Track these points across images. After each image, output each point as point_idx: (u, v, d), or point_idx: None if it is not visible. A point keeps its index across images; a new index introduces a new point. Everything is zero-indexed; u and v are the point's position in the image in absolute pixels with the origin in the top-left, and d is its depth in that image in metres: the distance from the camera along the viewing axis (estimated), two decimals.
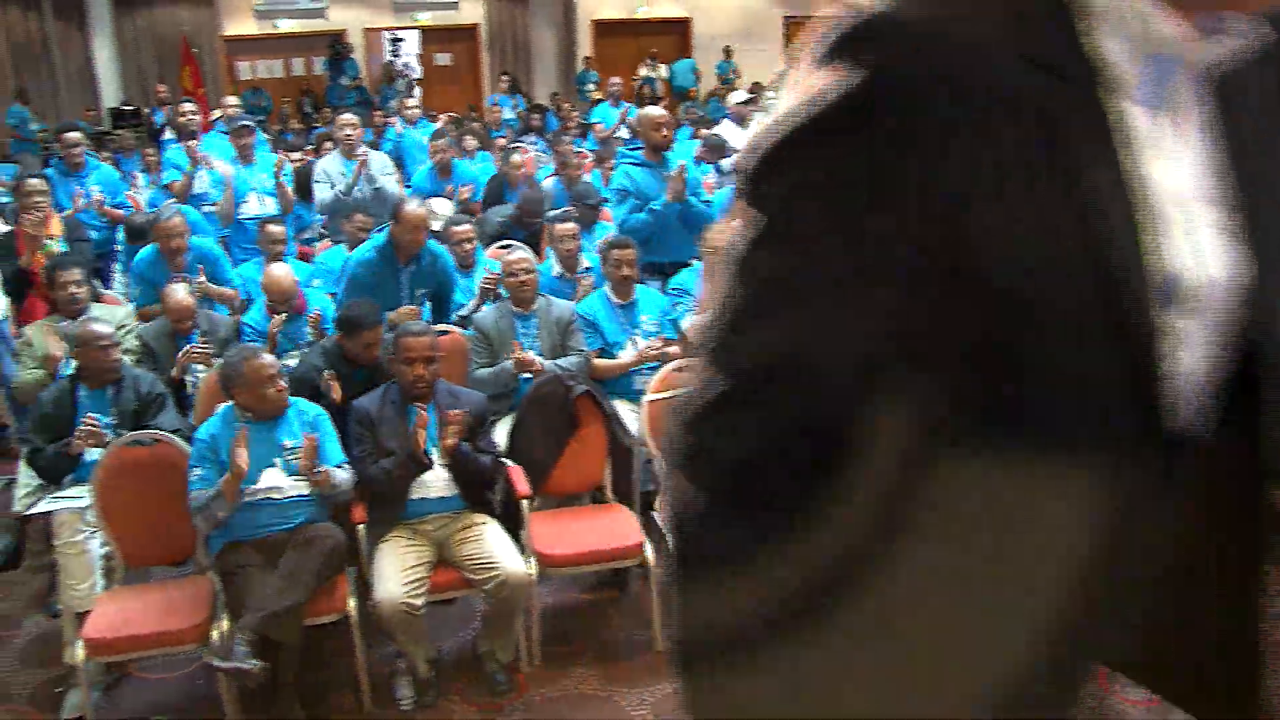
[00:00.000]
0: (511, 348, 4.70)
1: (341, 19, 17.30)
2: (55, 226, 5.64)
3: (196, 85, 14.18)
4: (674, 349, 4.96)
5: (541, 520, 4.23)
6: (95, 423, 4.04)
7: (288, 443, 3.84)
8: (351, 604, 3.75)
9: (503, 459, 4.23)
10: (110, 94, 15.96)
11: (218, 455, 3.76)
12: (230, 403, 3.90)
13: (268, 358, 3.89)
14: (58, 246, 5.63)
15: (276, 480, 3.80)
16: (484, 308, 5.18)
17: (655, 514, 4.36)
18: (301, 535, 3.72)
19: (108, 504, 3.90)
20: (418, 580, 3.73)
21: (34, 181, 5.68)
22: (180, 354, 4.82)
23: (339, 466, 3.89)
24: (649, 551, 4.07)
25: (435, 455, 3.94)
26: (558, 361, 4.76)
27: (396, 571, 3.72)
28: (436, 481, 3.98)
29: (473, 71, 17.76)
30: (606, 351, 5.01)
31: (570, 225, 5.83)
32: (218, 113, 8.95)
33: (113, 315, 5.03)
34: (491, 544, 3.86)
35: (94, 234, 6.56)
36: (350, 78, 15.54)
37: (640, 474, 4.68)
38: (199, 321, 5.08)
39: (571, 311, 4.99)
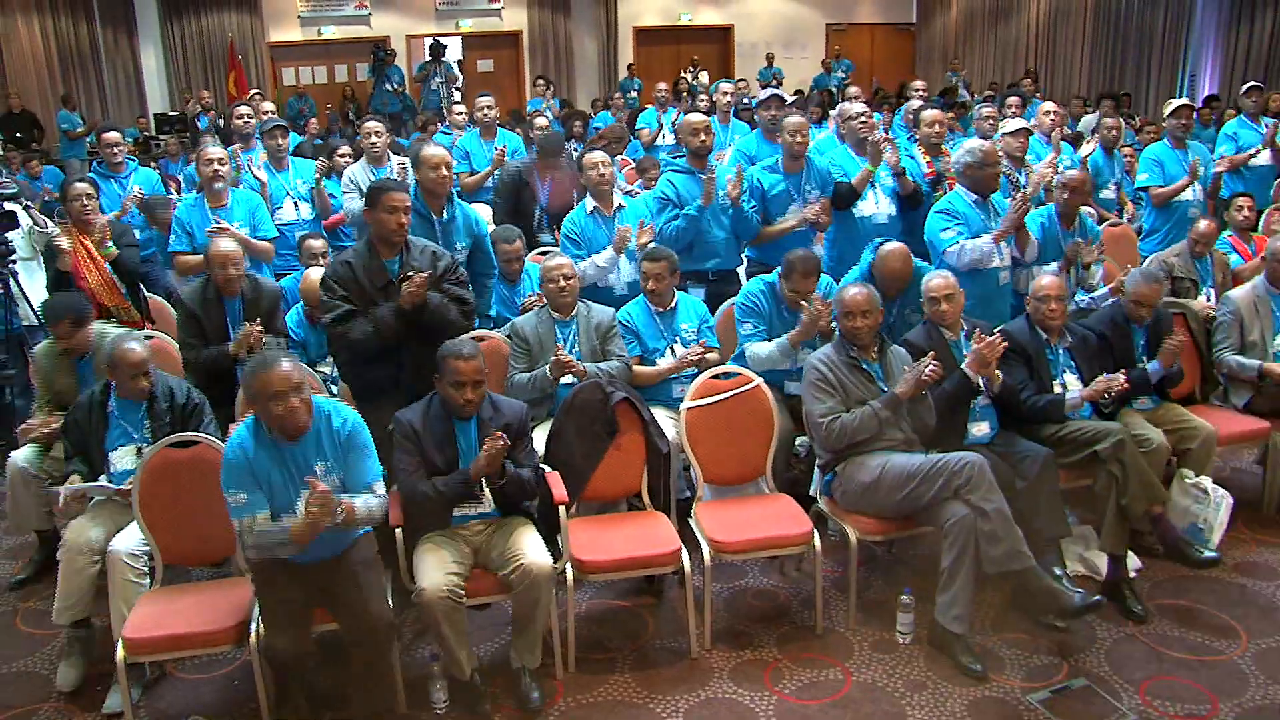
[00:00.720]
0: (551, 353, 4.69)
1: (385, 26, 17.48)
2: (98, 236, 5.66)
3: (242, 91, 14.36)
4: (713, 355, 4.94)
5: (579, 527, 4.22)
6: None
7: (319, 466, 3.59)
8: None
9: (542, 468, 4.18)
10: (157, 100, 16.19)
11: (255, 477, 3.51)
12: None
13: (284, 367, 3.47)
14: (114, 249, 5.66)
15: None
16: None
17: (691, 521, 4.34)
18: (353, 618, 3.58)
19: (148, 505, 3.94)
20: (459, 574, 3.71)
21: (80, 185, 5.71)
22: (240, 334, 4.71)
23: (371, 487, 3.65)
24: (685, 559, 4.06)
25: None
26: (599, 365, 4.76)
27: (439, 564, 3.71)
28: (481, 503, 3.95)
29: (514, 77, 17.85)
30: (646, 358, 5.00)
31: (599, 154, 5.74)
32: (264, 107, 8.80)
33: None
34: (520, 539, 3.83)
35: (138, 233, 6.56)
36: (396, 84, 15.61)
37: (678, 481, 4.67)
38: (244, 287, 4.90)
39: (611, 317, 4.98)
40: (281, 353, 3.64)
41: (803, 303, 4.83)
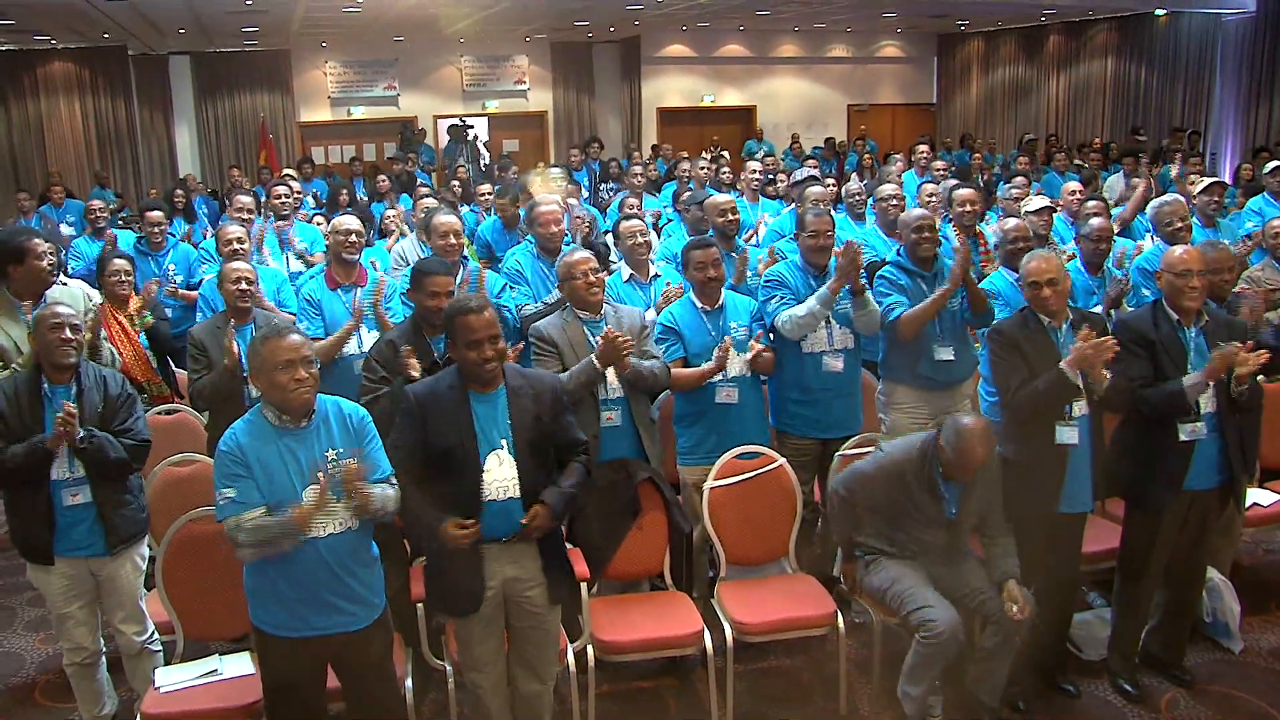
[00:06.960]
0: (583, 355, 4.34)
1: (413, 106, 17.84)
2: (135, 306, 5.71)
3: (274, 169, 14.64)
4: (768, 355, 4.63)
5: (601, 606, 4.20)
6: (72, 412, 3.66)
7: (331, 453, 3.24)
8: (408, 684, 3.74)
9: (588, 451, 3.72)
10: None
11: (247, 467, 3.17)
12: (257, 405, 3.31)
13: (294, 338, 3.22)
14: (151, 319, 5.69)
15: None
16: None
17: (714, 601, 4.31)
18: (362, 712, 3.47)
19: (173, 578, 3.94)
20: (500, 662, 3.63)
21: (119, 262, 5.77)
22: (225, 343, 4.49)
23: (387, 479, 3.33)
24: (707, 639, 4.02)
25: (505, 449, 3.44)
26: (640, 362, 4.44)
27: (493, 653, 3.57)
28: (504, 482, 3.44)
29: (540, 156, 18.12)
30: (690, 361, 4.67)
31: (636, 223, 5.65)
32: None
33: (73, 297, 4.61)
34: (542, 654, 3.64)
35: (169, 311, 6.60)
36: (425, 162, 15.79)
37: (701, 561, 4.63)
38: (255, 316, 4.78)
39: (641, 316, 4.71)
40: (289, 326, 3.50)
41: (835, 252, 4.68)
